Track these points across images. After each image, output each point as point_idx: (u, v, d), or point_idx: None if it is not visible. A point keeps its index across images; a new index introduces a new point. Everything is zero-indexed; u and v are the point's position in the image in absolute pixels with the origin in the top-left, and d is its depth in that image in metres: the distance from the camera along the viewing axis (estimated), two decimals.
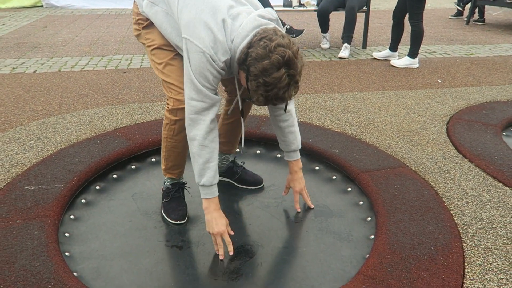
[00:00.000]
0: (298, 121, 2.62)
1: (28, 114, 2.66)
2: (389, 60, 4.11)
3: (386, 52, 4.19)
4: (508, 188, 1.90)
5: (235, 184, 1.99)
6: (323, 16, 4.48)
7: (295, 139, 1.71)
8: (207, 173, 1.44)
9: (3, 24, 5.96)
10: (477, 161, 2.15)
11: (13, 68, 3.71)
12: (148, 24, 1.59)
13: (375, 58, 4.24)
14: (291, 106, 1.66)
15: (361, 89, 3.29)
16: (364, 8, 4.58)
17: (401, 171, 2.03)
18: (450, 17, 7.34)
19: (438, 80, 3.55)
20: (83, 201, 1.83)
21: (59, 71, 3.67)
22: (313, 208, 1.81)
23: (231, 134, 1.89)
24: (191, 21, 1.33)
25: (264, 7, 1.48)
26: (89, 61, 4.00)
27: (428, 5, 9.33)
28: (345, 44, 4.30)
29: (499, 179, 1.98)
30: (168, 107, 1.57)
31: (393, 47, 4.15)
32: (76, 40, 4.97)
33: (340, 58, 4.25)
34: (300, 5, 4.69)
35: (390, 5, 9.16)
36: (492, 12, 7.47)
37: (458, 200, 1.81)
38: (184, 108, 1.50)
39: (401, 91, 3.27)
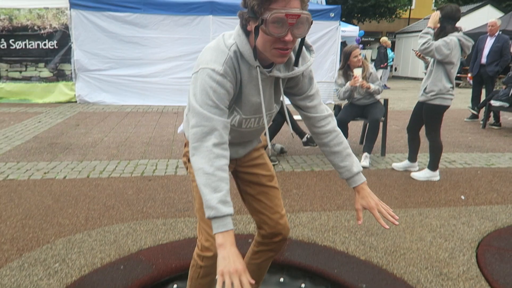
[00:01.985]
0: (321, 243, 2.60)
1: (56, 230, 2.71)
2: (409, 171, 4.15)
3: (406, 163, 4.24)
4: None
5: None
6: (342, 126, 4.65)
7: (355, 160, 1.55)
8: (216, 204, 1.23)
9: (39, 122, 6.37)
10: None
11: (45, 173, 3.87)
12: None
13: (394, 169, 4.29)
14: (335, 125, 1.57)
15: None
16: (382, 118, 4.76)
17: None
18: (465, 119, 7.53)
19: (462, 197, 3.53)
20: None
21: (88, 177, 3.81)
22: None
23: (257, 274, 1.86)
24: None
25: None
26: (116, 166, 4.16)
27: None
28: (366, 154, 4.40)
29: None
30: (196, 251, 1.59)
31: (412, 158, 4.21)
32: (105, 141, 5.22)
33: (362, 167, 4.30)
34: None
35: (405, 104, 9.52)
36: (508, 117, 7.64)
37: None
38: (211, 256, 1.51)
39: (424, 209, 3.25)
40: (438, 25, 3.61)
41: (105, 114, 7.28)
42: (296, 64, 1.43)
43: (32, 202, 3.18)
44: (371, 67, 4.52)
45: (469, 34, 15.31)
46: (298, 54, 1.41)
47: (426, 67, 3.94)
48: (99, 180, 3.72)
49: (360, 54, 4.40)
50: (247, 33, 1.32)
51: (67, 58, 8.40)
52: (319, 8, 9.30)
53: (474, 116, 7.46)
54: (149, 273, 2.19)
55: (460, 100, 10.31)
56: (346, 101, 4.67)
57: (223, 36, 1.39)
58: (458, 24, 3.65)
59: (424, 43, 3.54)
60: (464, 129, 6.72)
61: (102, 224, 2.81)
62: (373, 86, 4.40)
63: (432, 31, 3.57)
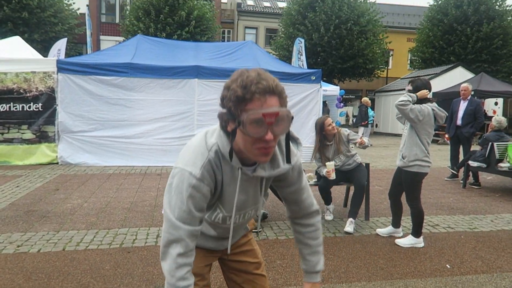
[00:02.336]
0: None
1: None
2: (394, 237, 4.12)
3: (389, 229, 4.23)
4: None
5: None
6: (325, 192, 4.66)
7: (321, 259, 1.56)
8: None
9: (17, 186, 6.21)
10: None
11: (18, 246, 3.71)
12: None
13: (378, 235, 4.25)
14: (319, 220, 1.58)
15: (369, 278, 3.20)
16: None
17: None
18: (446, 179, 7.66)
19: (447, 266, 3.49)
20: None
21: (64, 249, 3.66)
22: None
23: None
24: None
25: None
26: (94, 236, 4.02)
27: None
28: (351, 219, 4.36)
29: None
30: None
31: (396, 224, 4.21)
32: (84, 207, 5.09)
33: (346, 232, 4.26)
34: None
35: (387, 162, 9.68)
36: (487, 177, 7.80)
37: None
38: None
39: (410, 280, 3.18)
40: (426, 96, 3.77)
41: (86, 177, 7.17)
42: (288, 160, 1.39)
43: (1, 281, 3.00)
44: (344, 130, 4.62)
45: (443, 93, 16.08)
46: (287, 151, 1.38)
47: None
48: (75, 253, 3.57)
49: (332, 122, 4.51)
50: (227, 133, 1.31)
51: (51, 120, 8.39)
52: (301, 72, 9.69)
53: (454, 176, 7.60)
54: None
55: (440, 157, 10.53)
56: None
57: (205, 134, 1.38)
58: (430, 95, 3.83)
59: (403, 101, 3.66)
60: (445, 188, 6.81)
61: None
62: (366, 140, 4.47)
63: (415, 98, 3.71)
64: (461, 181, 7.12)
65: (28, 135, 8.36)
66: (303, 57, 13.40)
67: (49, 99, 8.36)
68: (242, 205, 1.46)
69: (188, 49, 10.45)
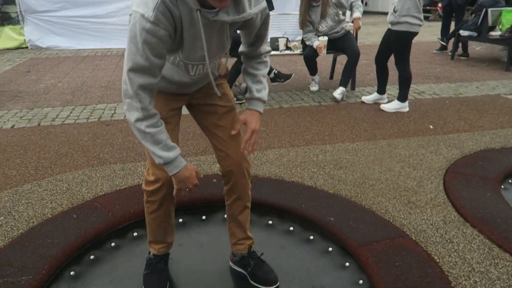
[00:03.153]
0: (289, 180, 2.50)
1: (1, 181, 2.49)
2: (379, 104, 4.06)
3: (375, 95, 4.14)
4: None
5: (248, 278, 1.72)
6: (311, 62, 4.44)
7: (263, 89, 1.52)
8: (161, 153, 1.28)
9: None
10: (480, 225, 2.03)
11: None
12: None
13: (364, 102, 4.18)
14: (268, 58, 1.53)
15: (352, 139, 3.19)
16: None
17: (402, 242, 1.89)
18: (434, 51, 7.44)
19: (430, 126, 3.49)
20: None
21: (39, 125, 3.52)
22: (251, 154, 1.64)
23: (241, 229, 1.73)
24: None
25: None
26: (70, 112, 3.86)
27: None
28: (341, 88, 4.21)
29: (505, 248, 1.86)
30: (143, 186, 1.55)
31: (381, 90, 4.11)
32: (59, 87, 4.84)
33: (335, 100, 4.16)
34: (287, 48, 4.66)
35: (375, 39, 9.30)
36: (475, 47, 7.59)
37: (465, 279, 1.67)
38: (153, 189, 1.48)
39: (393, 140, 3.19)
40: None
41: (59, 59, 6.75)
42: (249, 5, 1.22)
43: None
44: None
45: None
46: None
47: None
48: (51, 128, 3.44)
49: None
50: None
51: None
52: None
53: (443, 48, 7.37)
54: (105, 220, 2.04)
55: (429, 33, 10.15)
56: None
57: None
58: None
59: None
60: (433, 60, 6.64)
61: (54, 173, 2.60)
62: (358, 14, 4.16)
63: None
64: (450, 53, 6.92)
65: None
66: None
67: None
68: (209, 52, 1.28)
69: None
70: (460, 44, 6.84)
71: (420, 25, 3.55)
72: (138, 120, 1.22)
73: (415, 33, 3.58)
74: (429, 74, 5.55)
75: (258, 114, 1.52)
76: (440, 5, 7.56)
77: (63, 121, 3.62)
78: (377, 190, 2.40)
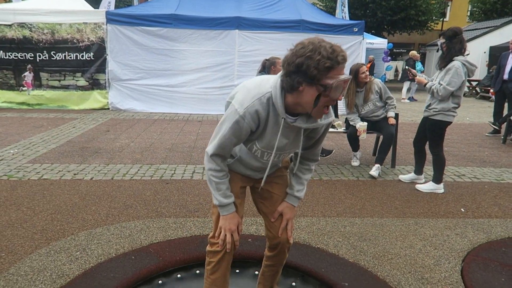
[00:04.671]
0: (315, 245, 2.81)
1: (80, 224, 3.07)
2: (415, 183, 4.28)
3: (412, 175, 4.38)
4: None
5: None
6: (353, 139, 4.84)
7: (303, 189, 1.91)
8: (220, 198, 1.73)
9: (74, 127, 6.90)
10: None
11: (74, 174, 4.29)
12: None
13: (401, 180, 4.42)
14: (314, 166, 1.92)
15: (381, 215, 3.45)
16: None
17: None
18: (486, 134, 7.48)
19: (462, 209, 3.64)
20: None
21: (112, 179, 4.19)
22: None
23: (269, 283, 2.10)
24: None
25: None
26: (138, 170, 4.53)
27: (467, 119, 9.56)
28: (377, 165, 4.54)
29: None
30: (207, 248, 1.87)
31: (418, 171, 4.34)
32: (131, 146, 5.64)
33: (371, 176, 4.47)
34: (332, 126, 5.12)
35: (416, 117, 9.47)
36: None
37: None
38: (216, 250, 1.82)
39: (421, 219, 3.39)
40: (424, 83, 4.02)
41: (134, 121, 7.76)
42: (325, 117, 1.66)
43: (61, 199, 3.57)
44: (379, 81, 4.69)
45: (500, 47, 15.01)
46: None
47: None
48: (122, 182, 4.09)
49: (366, 70, 4.60)
50: (282, 88, 1.55)
51: (102, 68, 8.99)
52: (343, 23, 9.50)
53: (496, 131, 7.40)
54: (156, 263, 2.49)
55: (487, 114, 10.15)
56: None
57: (261, 81, 1.63)
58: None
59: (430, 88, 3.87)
60: (483, 143, 6.70)
61: (120, 221, 3.15)
62: (391, 113, 4.68)
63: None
64: (502, 137, 6.95)
65: (82, 82, 9.04)
66: (346, 9, 12.98)
67: (99, 48, 8.90)
68: (283, 147, 1.73)
69: (229, 1, 10.50)
70: None
71: (454, 116, 3.84)
72: (210, 169, 1.71)
73: (449, 122, 3.86)
74: (475, 157, 5.65)
75: (293, 207, 1.92)
76: (492, 90, 7.69)
77: (132, 177, 4.27)
78: (394, 263, 2.63)
